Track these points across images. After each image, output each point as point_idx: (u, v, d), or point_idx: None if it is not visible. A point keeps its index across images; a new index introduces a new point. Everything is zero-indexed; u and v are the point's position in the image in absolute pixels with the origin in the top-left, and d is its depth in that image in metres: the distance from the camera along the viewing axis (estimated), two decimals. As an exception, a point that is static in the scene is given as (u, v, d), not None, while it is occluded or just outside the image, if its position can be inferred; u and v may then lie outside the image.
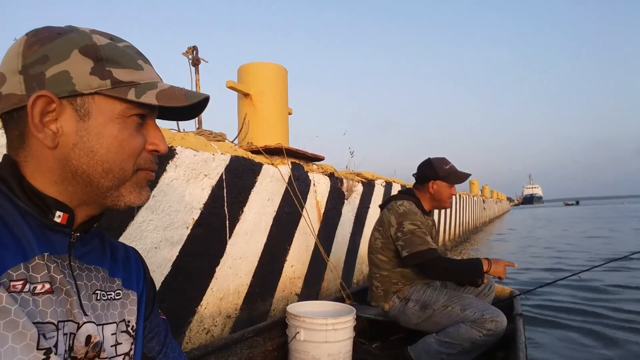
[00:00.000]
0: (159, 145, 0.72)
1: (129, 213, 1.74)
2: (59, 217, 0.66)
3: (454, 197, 10.40)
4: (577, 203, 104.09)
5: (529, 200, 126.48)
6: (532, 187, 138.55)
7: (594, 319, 3.90)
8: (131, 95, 0.65)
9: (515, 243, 11.49)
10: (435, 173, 2.38)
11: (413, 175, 2.51)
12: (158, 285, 1.87)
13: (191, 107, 0.72)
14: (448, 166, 2.41)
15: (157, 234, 1.87)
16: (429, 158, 2.47)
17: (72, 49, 0.63)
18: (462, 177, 2.46)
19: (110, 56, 0.66)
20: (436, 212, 7.87)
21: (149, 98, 0.66)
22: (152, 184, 1.85)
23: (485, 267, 2.11)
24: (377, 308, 2.40)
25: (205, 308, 2.14)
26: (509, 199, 65.42)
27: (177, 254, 1.97)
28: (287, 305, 2.74)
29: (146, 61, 0.71)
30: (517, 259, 7.95)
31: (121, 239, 1.69)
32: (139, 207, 1.78)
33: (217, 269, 2.24)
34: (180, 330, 1.99)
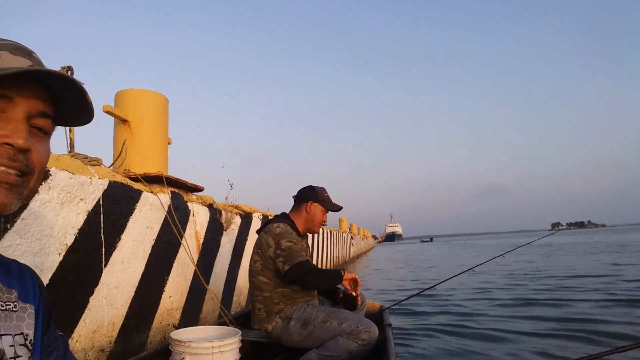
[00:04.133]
0: (11, 137, 0.64)
1: (-5, 236, 1.60)
2: None
3: (325, 230, 10.86)
4: (431, 240, 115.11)
5: (391, 237, 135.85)
6: (393, 226, 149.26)
7: (450, 327, 4.50)
8: None
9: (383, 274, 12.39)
10: (315, 196, 2.60)
11: (293, 197, 2.69)
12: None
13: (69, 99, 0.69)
14: (326, 194, 2.66)
15: (26, 260, 1.72)
16: (311, 184, 2.68)
17: None
18: (336, 207, 2.73)
19: None
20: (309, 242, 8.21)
21: None
22: (22, 206, 1.72)
23: (342, 274, 2.41)
24: (260, 331, 2.46)
25: (77, 341, 1.99)
26: (374, 236, 69.89)
27: (47, 282, 1.83)
28: (164, 337, 2.65)
29: (14, 51, 0.67)
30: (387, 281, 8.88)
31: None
32: (6, 230, 1.64)
33: (91, 299, 2.11)
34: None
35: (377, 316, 2.78)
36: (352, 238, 20.28)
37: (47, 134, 0.73)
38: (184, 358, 1.94)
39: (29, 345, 0.72)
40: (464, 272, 3.41)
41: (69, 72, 2.56)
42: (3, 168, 0.64)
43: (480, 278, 8.57)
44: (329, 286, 2.59)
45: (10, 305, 0.71)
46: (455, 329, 4.36)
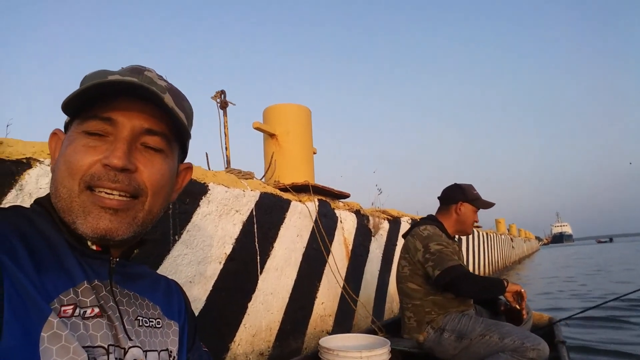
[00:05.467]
0: (108, 157, 0.63)
1: (165, 247, 1.78)
2: (93, 244, 0.67)
3: (480, 233, 10.14)
4: (611, 240, 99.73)
5: (559, 239, 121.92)
6: (561, 225, 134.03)
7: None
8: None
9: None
10: (464, 195, 2.39)
11: (438, 197, 2.51)
12: (193, 319, 1.88)
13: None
14: (475, 191, 2.43)
15: (192, 268, 1.90)
16: (456, 183, 2.48)
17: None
18: (489, 204, 2.47)
19: (84, 81, 0.66)
20: (463, 249, 7.73)
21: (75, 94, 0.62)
22: (186, 219, 1.90)
23: (505, 284, 2.11)
24: (411, 340, 2.34)
25: (239, 345, 2.13)
26: (538, 238, 63.37)
27: (210, 288, 1.99)
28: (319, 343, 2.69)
29: (125, 73, 0.67)
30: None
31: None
32: (175, 241, 1.82)
33: (249, 305, 2.23)
34: (215, 367, 1.97)
35: (546, 330, 2.43)
36: (512, 240, 18.67)
37: (161, 151, 0.70)
38: (333, 367, 1.92)
39: None
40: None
41: (223, 96, 2.79)
42: (105, 192, 0.64)
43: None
44: (487, 296, 2.34)
45: (153, 322, 0.73)
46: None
